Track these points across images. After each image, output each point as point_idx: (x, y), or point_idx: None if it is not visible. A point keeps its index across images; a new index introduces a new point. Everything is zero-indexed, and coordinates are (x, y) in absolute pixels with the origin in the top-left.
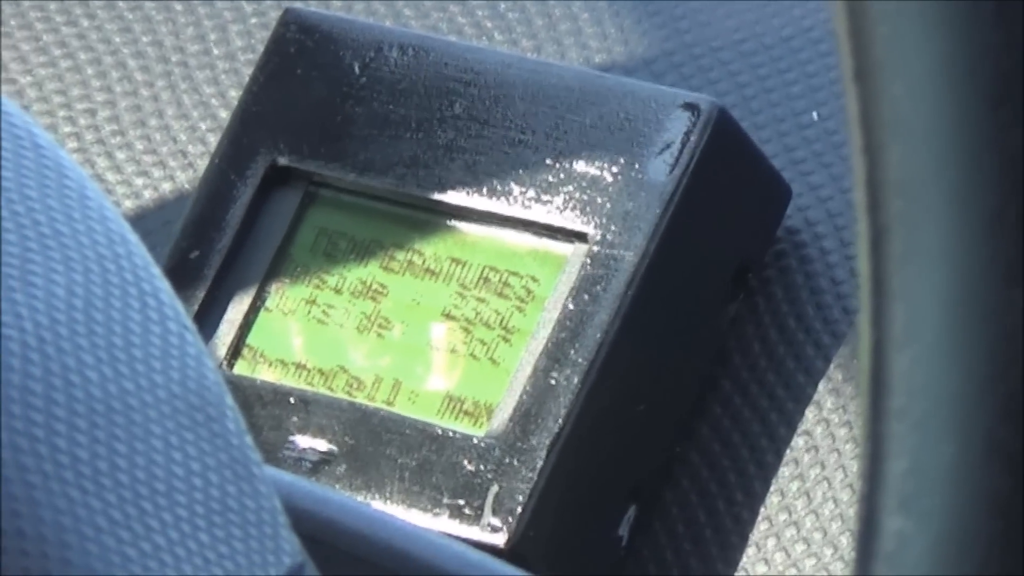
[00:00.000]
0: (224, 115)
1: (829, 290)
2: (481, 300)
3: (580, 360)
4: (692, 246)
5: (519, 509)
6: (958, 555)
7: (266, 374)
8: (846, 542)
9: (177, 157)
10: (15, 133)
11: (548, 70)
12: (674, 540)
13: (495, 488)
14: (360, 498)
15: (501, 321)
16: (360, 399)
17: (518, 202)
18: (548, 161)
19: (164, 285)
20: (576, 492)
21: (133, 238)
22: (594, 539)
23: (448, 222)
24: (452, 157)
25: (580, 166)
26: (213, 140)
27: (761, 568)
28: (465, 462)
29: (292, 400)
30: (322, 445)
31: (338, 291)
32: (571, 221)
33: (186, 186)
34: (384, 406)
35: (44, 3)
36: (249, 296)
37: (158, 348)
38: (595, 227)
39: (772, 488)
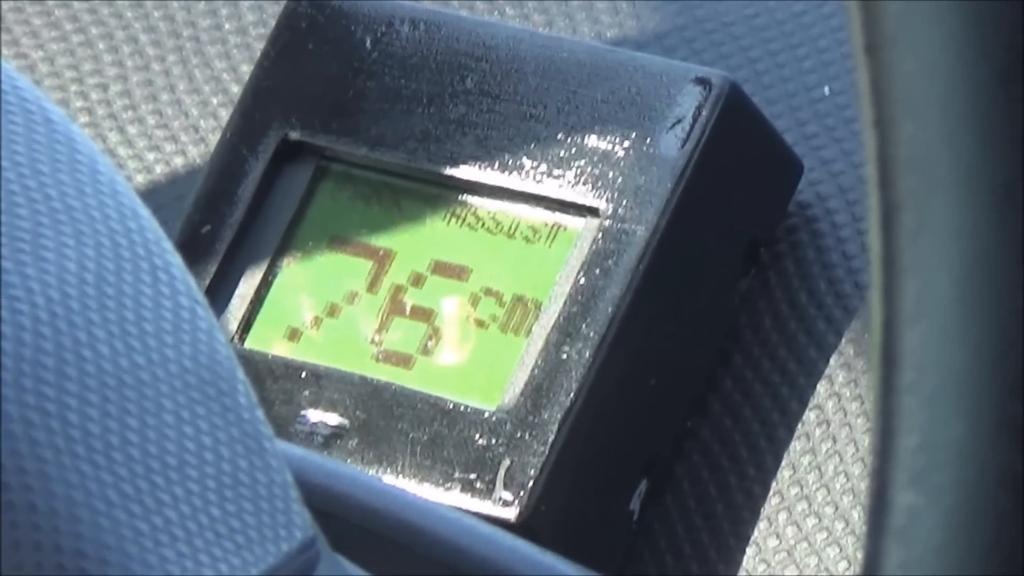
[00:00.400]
0: (236, 89)
1: (840, 265)
2: (493, 275)
3: (592, 334)
4: (703, 221)
5: (531, 483)
6: (968, 530)
7: (278, 348)
8: (857, 516)
9: (189, 132)
10: (27, 108)
11: (559, 45)
12: (685, 515)
13: (507, 462)
14: (372, 472)
15: (513, 295)
16: (372, 373)
17: (530, 177)
18: (560, 136)
19: (176, 260)
20: (588, 466)
21: (145, 212)
22: (606, 513)
23: (459, 196)
24: (463, 132)
25: (592, 141)
26: (225, 114)
27: (772, 542)
28: (477, 436)
29: (303, 374)
30: (333, 419)
31: (349, 266)
32: (583, 196)
33: (198, 160)
34: (396, 380)
35: None
36: (261, 270)
37: (170, 323)
38: (607, 202)
39: (784, 462)
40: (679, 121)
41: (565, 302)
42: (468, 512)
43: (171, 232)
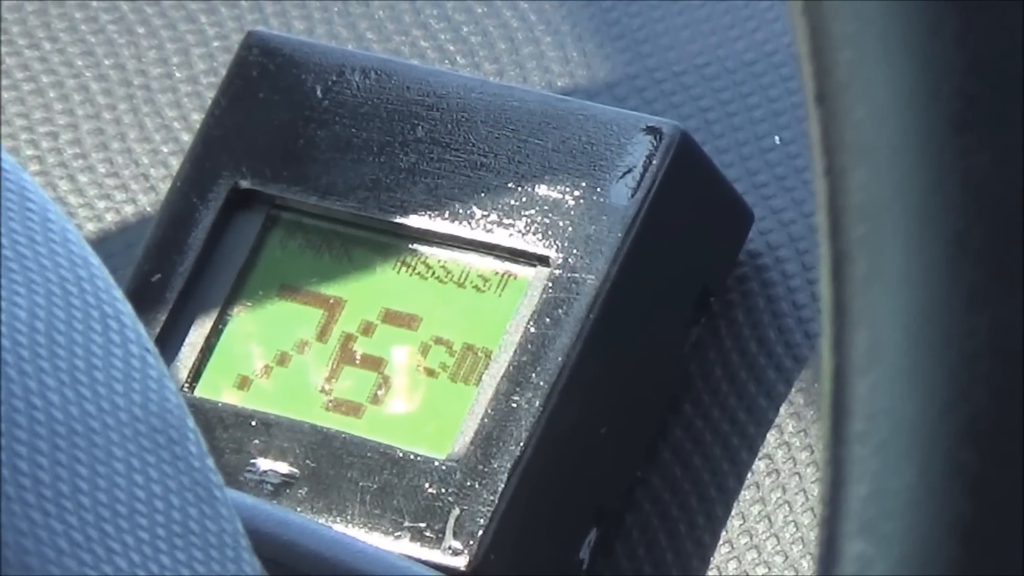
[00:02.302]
0: (186, 138)
1: (791, 314)
2: (443, 323)
3: (542, 383)
4: (654, 270)
5: (480, 532)
6: None
7: (228, 397)
8: (807, 565)
9: (139, 180)
10: None
11: (510, 94)
12: (635, 563)
13: (456, 511)
14: (321, 521)
15: (463, 344)
16: (321, 422)
17: (480, 225)
18: (510, 185)
19: (126, 308)
20: (538, 515)
21: (95, 261)
22: (555, 562)
23: (410, 245)
24: (414, 180)
25: (542, 190)
26: (175, 163)
27: None
28: (426, 485)
29: (253, 423)
30: (283, 468)
31: (300, 314)
32: (533, 244)
33: (148, 209)
34: (346, 429)
35: (6, 26)
36: (211, 319)
37: (120, 371)
38: (557, 251)
39: (733, 512)
40: (630, 170)
41: (515, 351)
42: (418, 561)
43: (122, 280)
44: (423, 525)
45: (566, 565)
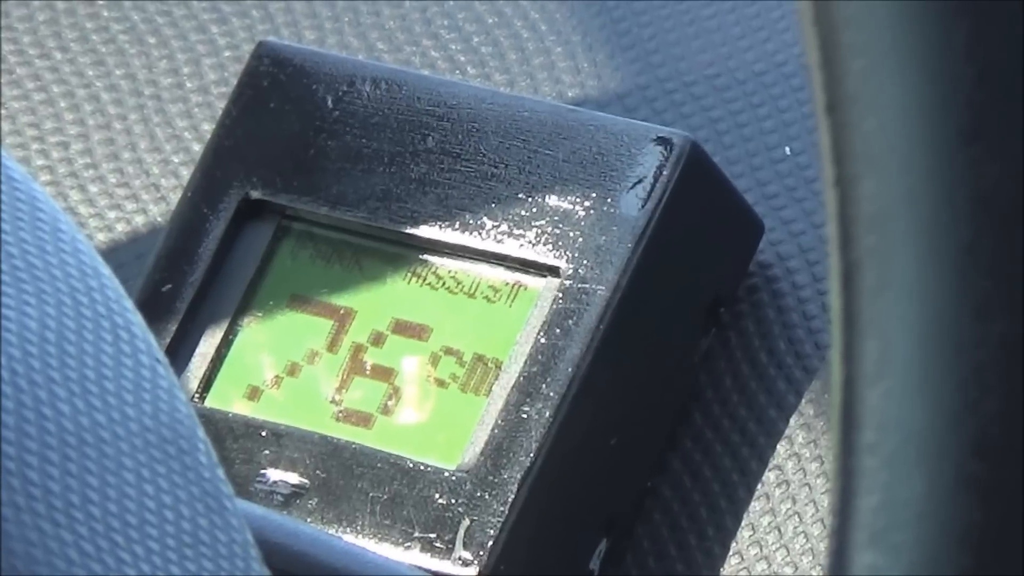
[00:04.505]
0: (197, 148)
1: (801, 325)
2: (453, 334)
3: (552, 394)
4: (664, 281)
5: (490, 543)
6: None
7: (238, 407)
8: None
9: (150, 190)
10: None
11: (521, 104)
12: (645, 574)
13: (466, 522)
14: (332, 531)
15: (474, 355)
16: (332, 432)
17: (491, 236)
18: (520, 195)
19: (136, 318)
20: (548, 526)
21: (106, 271)
22: (566, 573)
23: (420, 256)
24: (424, 191)
25: (552, 200)
26: (186, 173)
27: None
28: (437, 495)
29: (264, 433)
30: (294, 478)
31: (310, 325)
32: (543, 255)
33: (159, 219)
34: (356, 439)
35: (17, 36)
36: (221, 329)
37: (130, 381)
38: (567, 261)
39: (744, 523)
40: (640, 181)
41: (526, 361)
42: (428, 571)
43: (132, 290)
44: (433, 535)
45: (577, 575)
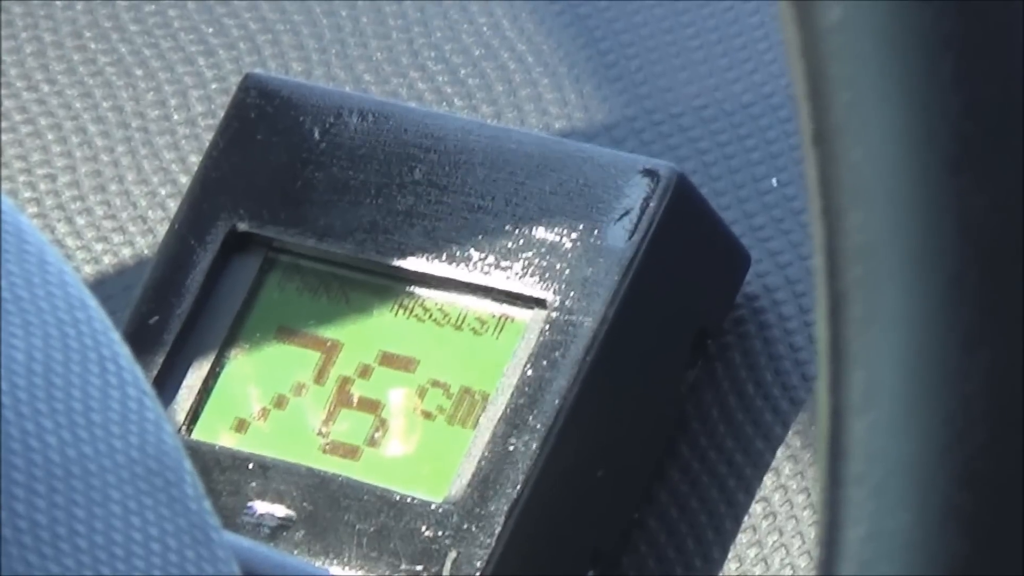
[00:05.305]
0: (184, 180)
1: (788, 356)
2: (440, 366)
3: (538, 426)
4: (651, 312)
5: (477, 575)
6: None
7: (225, 439)
8: None
9: (137, 222)
10: None
11: (508, 136)
12: None
13: (453, 554)
14: (318, 564)
15: (460, 387)
16: (319, 465)
17: (477, 268)
18: (507, 227)
19: (123, 350)
20: (534, 558)
21: (93, 303)
22: None
23: (407, 288)
24: (411, 223)
25: (539, 232)
26: (173, 205)
27: None
28: (423, 528)
29: (251, 465)
30: (280, 511)
31: (297, 357)
32: (530, 287)
33: (146, 251)
34: (343, 472)
35: (4, 68)
36: (208, 361)
37: (117, 413)
38: (554, 293)
39: (730, 555)
40: (627, 212)
41: (512, 394)
42: None
43: (119, 322)
44: (420, 568)
45: None
